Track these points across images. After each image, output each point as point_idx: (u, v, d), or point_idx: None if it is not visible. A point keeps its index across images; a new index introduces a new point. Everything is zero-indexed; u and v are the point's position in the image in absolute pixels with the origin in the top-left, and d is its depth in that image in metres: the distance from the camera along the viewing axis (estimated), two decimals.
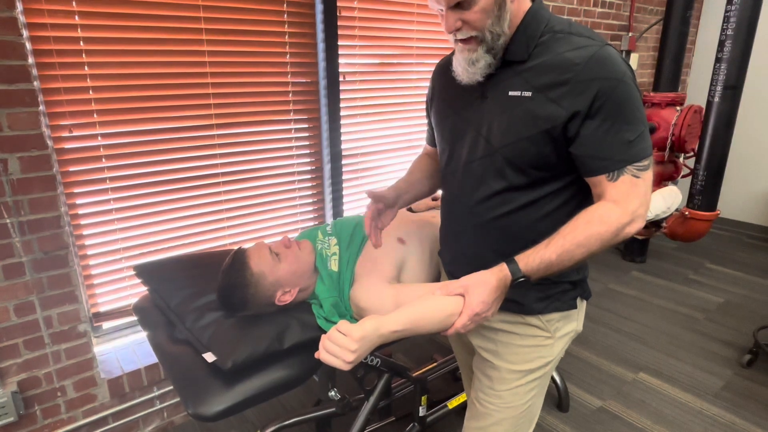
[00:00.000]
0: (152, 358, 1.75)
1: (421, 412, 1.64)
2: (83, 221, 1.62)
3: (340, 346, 0.81)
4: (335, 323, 1.09)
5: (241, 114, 1.87)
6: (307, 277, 1.28)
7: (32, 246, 1.44)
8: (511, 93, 0.89)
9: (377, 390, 1.39)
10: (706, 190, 2.54)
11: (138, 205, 1.72)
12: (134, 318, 1.61)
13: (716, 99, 2.43)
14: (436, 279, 1.31)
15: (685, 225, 2.61)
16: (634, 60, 3.44)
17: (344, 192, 2.26)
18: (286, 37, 1.90)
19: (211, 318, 1.22)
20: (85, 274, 1.66)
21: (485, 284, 0.86)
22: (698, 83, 4.02)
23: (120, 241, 1.71)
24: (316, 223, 2.24)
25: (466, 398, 1.70)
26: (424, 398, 1.63)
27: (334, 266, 1.30)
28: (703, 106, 2.70)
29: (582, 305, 1.07)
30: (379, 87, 2.28)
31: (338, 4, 1.98)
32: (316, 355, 0.83)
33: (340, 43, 2.03)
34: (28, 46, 1.38)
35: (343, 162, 2.21)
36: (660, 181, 3.03)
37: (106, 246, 1.69)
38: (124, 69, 1.58)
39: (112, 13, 1.52)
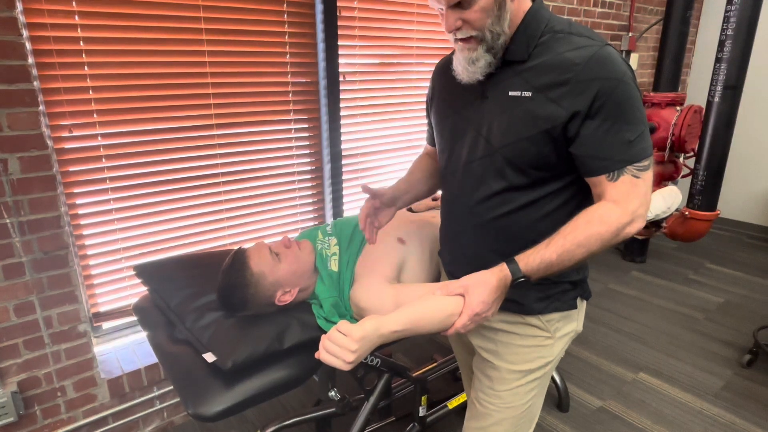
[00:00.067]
0: (152, 358, 1.75)
1: (421, 412, 1.64)
2: (83, 221, 1.62)
3: (341, 346, 0.81)
4: (335, 323, 1.09)
5: (241, 114, 1.87)
6: (307, 277, 1.28)
7: (32, 246, 1.44)
8: (511, 93, 0.89)
9: (377, 390, 1.39)
10: (706, 190, 2.54)
11: (138, 205, 1.72)
12: (134, 318, 1.61)
13: (716, 99, 2.43)
14: (436, 279, 1.31)
15: (685, 225, 2.61)
16: (634, 60, 3.44)
17: (344, 192, 2.26)
18: (286, 37, 1.90)
19: (211, 318, 1.22)
20: (85, 274, 1.66)
21: (485, 284, 0.86)
22: (698, 83, 4.02)
23: (120, 241, 1.71)
24: (316, 223, 2.24)
25: (466, 398, 1.70)
26: (424, 398, 1.63)
27: (334, 266, 1.30)
28: (703, 106, 2.70)
29: (582, 305, 1.07)
30: (379, 87, 2.28)
31: (338, 4, 1.98)
32: (316, 355, 0.83)
33: (340, 43, 2.03)
34: (28, 46, 1.38)
35: (343, 162, 2.21)
36: (660, 181, 3.03)
37: (106, 246, 1.69)
38: (124, 69, 1.58)
39: (112, 13, 1.52)
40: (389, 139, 2.39)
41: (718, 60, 2.40)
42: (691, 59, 4.03)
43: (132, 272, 1.50)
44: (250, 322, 1.19)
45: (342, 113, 2.13)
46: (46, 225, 1.45)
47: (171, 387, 1.83)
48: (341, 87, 2.10)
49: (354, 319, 1.22)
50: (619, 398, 2.02)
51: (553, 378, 1.93)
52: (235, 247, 1.53)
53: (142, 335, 1.84)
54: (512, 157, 0.90)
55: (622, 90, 0.82)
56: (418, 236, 1.32)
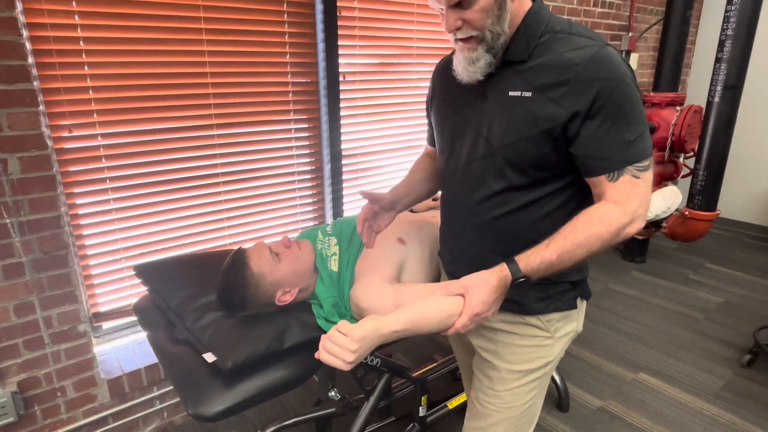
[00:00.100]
0: (152, 358, 1.75)
1: (421, 412, 1.64)
2: (83, 221, 1.62)
3: (340, 346, 0.81)
4: (335, 323, 1.09)
5: (241, 114, 1.87)
6: (307, 277, 1.28)
7: (32, 246, 1.44)
8: (511, 93, 0.89)
9: (377, 390, 1.39)
10: (706, 190, 2.54)
11: (138, 205, 1.72)
12: (134, 318, 1.61)
13: (716, 99, 2.43)
14: (436, 279, 1.31)
15: (685, 225, 2.61)
16: (634, 60, 3.44)
17: (344, 192, 2.26)
18: (286, 37, 1.90)
19: (211, 318, 1.22)
20: (85, 274, 1.66)
21: (485, 284, 0.86)
22: (698, 83, 4.02)
23: (120, 241, 1.71)
24: (316, 223, 2.24)
25: (466, 398, 1.70)
26: (424, 398, 1.63)
27: (334, 266, 1.30)
28: (703, 106, 2.70)
29: (582, 305, 1.07)
30: (379, 87, 2.28)
31: (338, 4, 1.98)
32: (316, 355, 0.83)
33: (340, 43, 2.03)
34: (28, 46, 1.38)
35: (343, 162, 2.21)
36: (660, 181, 3.03)
37: (106, 246, 1.69)
38: (124, 69, 1.58)
39: (112, 13, 1.52)
40: (389, 139, 2.39)
41: (718, 60, 2.40)
42: (691, 59, 4.03)
43: (132, 272, 1.50)
44: (250, 322, 1.19)
45: (342, 113, 2.13)
46: (46, 225, 1.45)
47: (171, 387, 1.83)
48: (341, 87, 2.10)
49: (354, 319, 1.22)
50: (619, 398, 2.02)
51: (553, 378, 1.93)
52: (235, 247, 1.53)
53: (142, 335, 1.84)
54: (512, 157, 0.90)
55: (623, 90, 0.82)
56: (418, 236, 1.32)
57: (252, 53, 1.83)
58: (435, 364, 1.86)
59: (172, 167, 1.76)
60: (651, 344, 2.40)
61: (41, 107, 1.40)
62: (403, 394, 1.84)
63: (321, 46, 1.99)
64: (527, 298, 0.99)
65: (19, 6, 1.34)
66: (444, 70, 1.06)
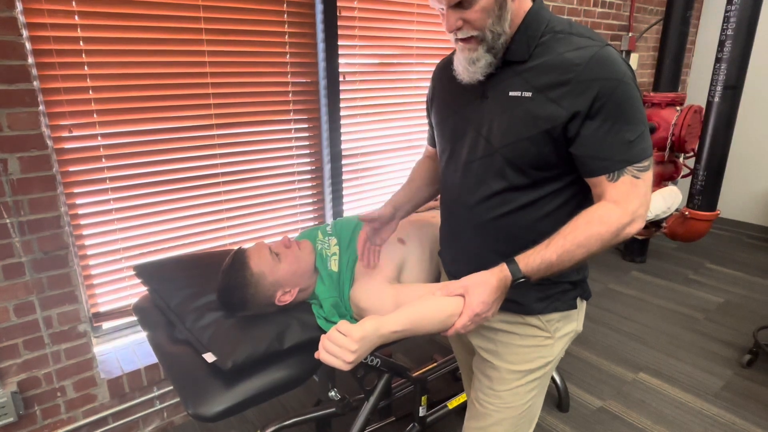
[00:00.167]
0: (152, 358, 1.75)
1: (421, 412, 1.64)
2: (83, 221, 1.62)
3: (340, 347, 0.81)
4: (335, 323, 1.09)
5: (241, 114, 1.87)
6: (307, 277, 1.28)
7: (32, 246, 1.44)
8: (511, 93, 0.89)
9: (377, 390, 1.39)
10: (706, 190, 2.54)
11: (138, 205, 1.72)
12: (134, 318, 1.61)
13: (716, 99, 2.43)
14: (436, 279, 1.31)
15: (685, 225, 2.61)
16: (634, 60, 3.44)
17: (344, 192, 2.26)
18: (286, 37, 1.90)
19: (211, 318, 1.22)
20: (85, 274, 1.66)
21: (485, 285, 0.86)
22: (698, 83, 4.02)
23: (120, 241, 1.71)
24: (316, 223, 2.24)
25: (466, 398, 1.70)
26: (424, 398, 1.63)
27: (334, 266, 1.30)
28: (703, 106, 2.70)
29: (582, 305, 1.07)
30: (379, 87, 2.28)
31: (338, 4, 1.98)
32: (316, 355, 0.83)
33: (340, 43, 2.03)
34: (28, 46, 1.38)
35: (343, 162, 2.21)
36: (660, 181, 3.03)
37: (106, 246, 1.69)
38: (124, 69, 1.58)
39: (112, 13, 1.52)
40: (389, 139, 2.39)
41: (718, 60, 2.40)
42: (691, 59, 4.03)
43: (132, 272, 1.50)
44: (250, 322, 1.19)
45: (342, 113, 2.13)
46: (46, 225, 1.45)
47: (171, 387, 1.83)
48: (341, 87, 2.10)
49: (354, 320, 1.22)
50: (619, 398, 2.02)
51: (553, 378, 1.93)
52: (235, 247, 1.53)
53: (142, 335, 1.84)
54: (512, 157, 0.90)
55: (623, 90, 0.82)
56: (418, 236, 1.32)
57: (252, 53, 1.83)
58: (435, 364, 1.86)
59: (172, 167, 1.76)
60: (651, 344, 2.40)
61: (41, 107, 1.40)
62: (403, 394, 1.84)
63: (321, 46, 1.99)
64: (527, 298, 0.99)
65: (19, 6, 1.34)
66: (444, 71, 1.06)
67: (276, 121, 1.97)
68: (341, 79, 2.10)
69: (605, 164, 0.85)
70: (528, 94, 0.87)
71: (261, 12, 1.81)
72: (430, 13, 2.31)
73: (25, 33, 1.36)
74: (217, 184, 1.88)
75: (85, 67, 1.52)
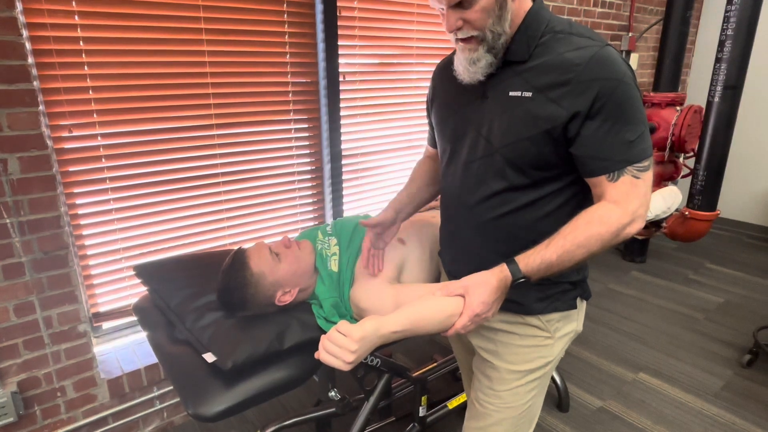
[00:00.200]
0: (152, 358, 1.75)
1: (421, 412, 1.64)
2: (83, 221, 1.62)
3: (340, 347, 0.81)
4: (335, 323, 1.09)
5: (241, 114, 1.87)
6: (308, 278, 1.28)
7: (32, 246, 1.44)
8: (511, 93, 0.89)
9: (377, 390, 1.39)
10: (706, 190, 2.54)
11: (138, 205, 1.72)
12: (134, 318, 1.61)
13: (716, 99, 2.43)
14: (436, 279, 1.31)
15: (685, 225, 2.61)
16: (634, 60, 3.44)
17: (344, 192, 2.26)
18: (286, 37, 1.90)
19: (211, 318, 1.22)
20: (85, 274, 1.66)
21: (485, 285, 0.86)
22: (698, 83, 4.02)
23: (120, 241, 1.71)
24: (316, 223, 2.24)
25: (466, 398, 1.70)
26: (424, 398, 1.63)
27: (334, 266, 1.30)
28: (703, 106, 2.70)
29: (582, 305, 1.07)
30: (379, 87, 2.28)
31: (338, 4, 1.98)
32: (316, 355, 0.83)
33: (340, 43, 2.03)
34: (28, 46, 1.38)
35: (343, 162, 2.21)
36: (660, 181, 3.03)
37: (106, 246, 1.69)
38: (124, 69, 1.58)
39: (112, 13, 1.52)
40: (389, 139, 2.39)
41: (718, 60, 2.40)
42: (691, 59, 4.03)
43: (132, 272, 1.50)
44: (250, 322, 1.19)
45: (342, 113, 2.13)
46: (46, 225, 1.45)
47: (171, 387, 1.83)
48: (341, 87, 2.10)
49: (354, 320, 1.22)
50: (619, 398, 2.02)
51: (553, 378, 1.93)
52: (235, 247, 1.53)
53: (142, 335, 1.84)
54: (512, 158, 0.90)
55: (623, 90, 0.82)
56: (418, 236, 1.32)
57: (252, 53, 1.83)
58: (435, 364, 1.86)
59: (172, 167, 1.76)
60: (651, 344, 2.40)
61: (41, 107, 1.40)
62: (403, 394, 1.84)
63: (321, 46, 1.99)
64: (527, 298, 0.99)
65: (19, 6, 1.34)
66: (444, 71, 1.06)
67: (276, 121, 1.97)
68: (341, 79, 2.10)
69: (605, 164, 0.85)
70: (528, 94, 0.87)
71: (261, 12, 1.81)
72: (430, 13, 2.31)
73: (25, 33, 1.36)
74: (217, 184, 1.88)
75: (85, 67, 1.52)
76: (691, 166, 2.75)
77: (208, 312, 1.24)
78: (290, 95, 1.98)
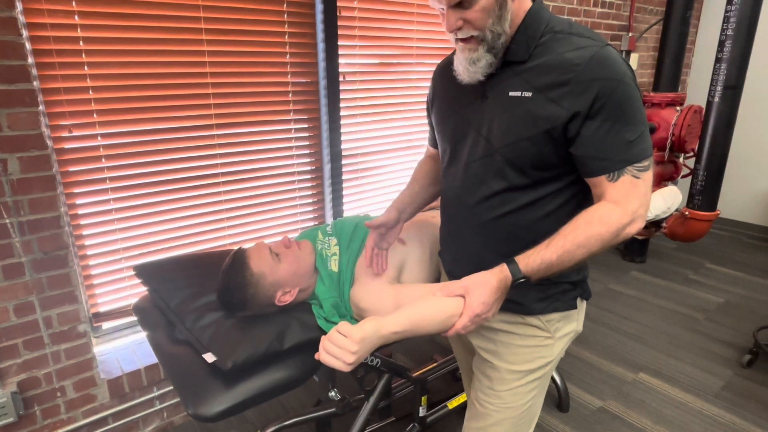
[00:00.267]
0: (152, 359, 1.75)
1: (421, 412, 1.64)
2: (83, 221, 1.62)
3: (341, 348, 0.81)
4: (335, 324, 1.10)
5: (241, 114, 1.87)
6: (308, 278, 1.28)
7: (32, 246, 1.44)
8: (511, 93, 0.89)
9: (377, 390, 1.39)
10: (706, 190, 2.54)
11: (138, 205, 1.72)
12: (134, 318, 1.61)
13: (716, 99, 2.43)
14: (436, 279, 1.31)
15: (685, 225, 2.61)
16: (634, 60, 3.44)
17: (344, 192, 2.26)
18: (286, 37, 1.90)
19: (211, 318, 1.22)
20: (84, 275, 1.66)
21: (486, 285, 0.86)
22: (698, 83, 4.02)
23: (120, 241, 1.71)
24: (316, 223, 2.24)
25: (466, 398, 1.70)
26: (424, 398, 1.63)
27: (334, 266, 1.30)
28: (703, 106, 2.70)
29: (582, 305, 1.07)
30: (379, 87, 2.28)
31: (338, 4, 1.98)
32: (317, 356, 0.83)
33: (340, 43, 2.03)
34: (28, 46, 1.38)
35: (343, 162, 2.21)
36: (660, 181, 3.03)
37: (106, 246, 1.69)
38: (124, 69, 1.58)
39: (112, 13, 1.52)
40: (389, 139, 2.39)
41: (718, 60, 2.40)
42: (691, 59, 4.03)
43: (132, 272, 1.49)
44: (250, 323, 1.19)
45: (342, 113, 2.13)
46: (46, 225, 1.45)
47: (171, 387, 1.83)
48: (341, 87, 2.10)
49: (354, 320, 1.22)
50: (619, 398, 2.02)
51: (553, 378, 1.93)
52: (235, 247, 1.53)
53: (142, 335, 1.84)
54: (512, 158, 0.90)
55: (623, 90, 0.82)
56: (418, 236, 1.32)
57: (252, 53, 1.83)
58: (435, 365, 1.86)
59: (172, 167, 1.76)
60: (651, 344, 2.40)
61: (41, 107, 1.40)
62: (403, 394, 1.84)
63: (321, 46, 1.99)
64: (527, 298, 0.99)
65: (19, 6, 1.34)
66: (444, 71, 1.06)
67: (276, 121, 1.97)
68: (341, 79, 2.10)
69: (605, 164, 0.85)
70: (528, 94, 0.87)
71: (261, 12, 1.81)
72: (430, 13, 2.31)
73: (25, 33, 1.36)
74: (217, 184, 1.88)
75: (85, 67, 1.52)
76: (691, 166, 2.75)
77: (208, 312, 1.24)
78: (290, 95, 1.98)
